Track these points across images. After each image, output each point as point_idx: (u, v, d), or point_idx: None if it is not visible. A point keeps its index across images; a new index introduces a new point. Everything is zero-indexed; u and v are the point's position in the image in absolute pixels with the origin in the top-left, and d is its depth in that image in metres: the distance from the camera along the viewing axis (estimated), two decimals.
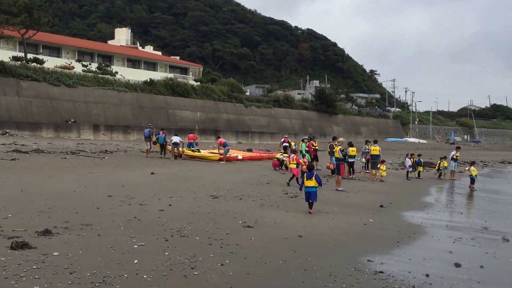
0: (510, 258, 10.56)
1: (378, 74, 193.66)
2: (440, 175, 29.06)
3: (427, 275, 8.31)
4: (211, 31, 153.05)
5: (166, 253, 8.46)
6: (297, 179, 20.02)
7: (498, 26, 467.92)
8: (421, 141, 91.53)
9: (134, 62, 76.95)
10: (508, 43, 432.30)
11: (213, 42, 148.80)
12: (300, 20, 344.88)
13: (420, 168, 28.95)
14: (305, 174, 14.73)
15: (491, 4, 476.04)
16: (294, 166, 21.02)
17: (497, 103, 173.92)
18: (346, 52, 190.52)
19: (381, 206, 16.14)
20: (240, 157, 32.49)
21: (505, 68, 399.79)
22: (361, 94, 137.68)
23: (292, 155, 22.68)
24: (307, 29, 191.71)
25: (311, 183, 14.04)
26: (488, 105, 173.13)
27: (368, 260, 9.04)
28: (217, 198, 15.24)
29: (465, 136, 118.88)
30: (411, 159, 28.21)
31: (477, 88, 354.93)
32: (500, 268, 9.63)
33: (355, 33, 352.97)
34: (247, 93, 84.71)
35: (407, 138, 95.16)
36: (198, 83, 71.19)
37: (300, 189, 14.83)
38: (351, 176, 25.00)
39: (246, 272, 7.77)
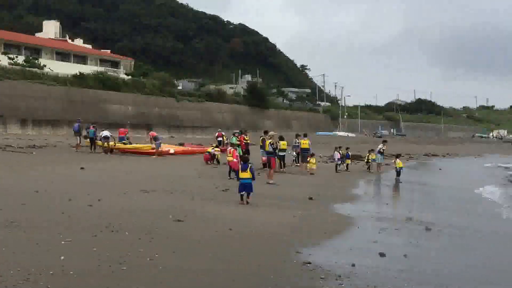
0: (432, 246, 11.05)
1: (309, 69, 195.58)
2: (369, 168, 29.87)
3: (353, 265, 8.54)
4: (143, 24, 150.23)
5: (94, 249, 8.32)
6: (232, 172, 20.17)
7: (423, 24, 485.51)
8: (350, 134, 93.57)
9: (63, 55, 74.51)
10: (432, 41, 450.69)
11: (145, 36, 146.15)
12: (232, 15, 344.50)
13: (348, 161, 29.67)
14: (240, 166, 15.02)
15: (417, 2, 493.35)
16: (232, 159, 21.07)
17: (422, 98, 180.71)
18: (277, 47, 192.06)
19: (310, 198, 16.44)
20: (172, 151, 32.34)
21: (429, 64, 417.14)
22: (292, 89, 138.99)
23: (230, 148, 22.80)
24: (239, 24, 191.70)
25: (246, 174, 14.35)
26: (413, 100, 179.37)
27: (296, 252, 9.21)
28: (147, 193, 15.10)
29: (392, 130, 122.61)
30: (340, 152, 28.88)
31: (403, 83, 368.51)
32: (422, 257, 10.04)
33: (286, 29, 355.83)
34: (180, 87, 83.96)
35: (337, 132, 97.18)
36: (130, 77, 70.00)
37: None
38: (282, 170, 25.30)
39: (175, 266, 7.77)
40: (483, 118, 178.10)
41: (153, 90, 65.82)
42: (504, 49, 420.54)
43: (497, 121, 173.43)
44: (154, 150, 29.86)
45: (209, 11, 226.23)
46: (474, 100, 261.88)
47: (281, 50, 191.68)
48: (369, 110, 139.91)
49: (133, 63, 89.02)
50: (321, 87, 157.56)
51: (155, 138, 30.35)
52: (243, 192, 14.29)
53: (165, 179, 18.83)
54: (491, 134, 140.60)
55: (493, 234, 13.77)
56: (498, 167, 44.42)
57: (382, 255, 9.56)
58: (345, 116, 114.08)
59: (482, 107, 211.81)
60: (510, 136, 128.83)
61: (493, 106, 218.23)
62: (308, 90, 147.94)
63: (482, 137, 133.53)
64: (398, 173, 25.69)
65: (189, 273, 7.51)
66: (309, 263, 8.49)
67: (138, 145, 31.86)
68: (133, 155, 30.25)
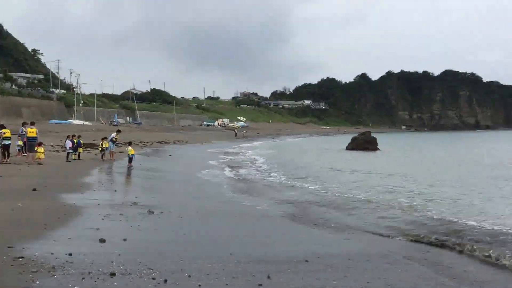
0: (152, 228, 11.45)
1: (42, 54, 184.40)
2: (102, 156, 29.63)
3: (70, 254, 8.35)
4: None
5: None
6: None
7: (158, 18, 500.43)
8: (86, 123, 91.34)
9: None
10: (166, 35, 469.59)
11: None
12: None
13: (81, 150, 29.20)
14: None
15: None
16: None
17: (157, 88, 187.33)
18: (5, 27, 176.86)
19: (34, 189, 15.65)
20: None
21: (163, 57, 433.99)
22: (23, 74, 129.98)
23: None
24: None
25: None
26: (149, 90, 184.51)
27: (8, 247, 8.60)
28: None
29: (128, 118, 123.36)
30: (73, 140, 28.15)
31: (140, 73, 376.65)
32: (141, 239, 10.33)
33: (15, 8, 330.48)
34: None
35: (72, 120, 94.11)
36: None
37: None
38: (6, 160, 23.65)
39: None
40: (210, 108, 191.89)
41: None
42: (228, 47, 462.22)
43: (221, 111, 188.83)
44: None
45: None
46: (203, 91, 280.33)
47: (9, 31, 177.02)
48: (106, 99, 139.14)
49: None
50: (56, 74, 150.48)
51: None
52: None
53: None
54: (216, 122, 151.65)
55: (211, 212, 14.87)
56: (221, 152, 48.49)
57: (102, 241, 9.59)
58: (80, 104, 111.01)
59: (209, 98, 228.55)
60: (232, 124, 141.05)
61: (218, 97, 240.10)
62: (41, 76, 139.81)
63: (208, 125, 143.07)
64: (130, 160, 26.10)
65: None
66: (22, 257, 8.02)
67: None
68: None
